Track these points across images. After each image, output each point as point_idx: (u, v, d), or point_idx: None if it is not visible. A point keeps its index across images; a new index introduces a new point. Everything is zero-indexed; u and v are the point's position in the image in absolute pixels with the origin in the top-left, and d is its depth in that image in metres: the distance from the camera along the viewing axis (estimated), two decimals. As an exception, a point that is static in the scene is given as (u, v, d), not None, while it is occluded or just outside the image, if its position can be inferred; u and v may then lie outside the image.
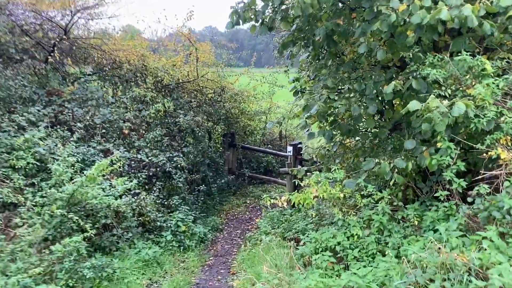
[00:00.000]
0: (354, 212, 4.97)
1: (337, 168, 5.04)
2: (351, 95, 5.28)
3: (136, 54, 9.81)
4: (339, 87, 5.22)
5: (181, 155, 8.90)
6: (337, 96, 5.28)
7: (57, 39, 9.23)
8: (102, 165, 5.85)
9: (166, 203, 7.95)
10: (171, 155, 8.70)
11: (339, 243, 4.62)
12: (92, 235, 5.49)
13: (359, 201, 4.76)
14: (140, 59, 9.90)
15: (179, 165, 8.62)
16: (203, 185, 9.16)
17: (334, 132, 5.63)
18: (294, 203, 5.57)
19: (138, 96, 9.43)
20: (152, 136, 8.80)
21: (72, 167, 6.69)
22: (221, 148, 11.55)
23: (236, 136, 12.03)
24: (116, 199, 6.62)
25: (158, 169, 8.30)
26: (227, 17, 5.37)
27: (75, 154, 7.27)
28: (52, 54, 9.18)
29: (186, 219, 7.83)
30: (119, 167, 7.56)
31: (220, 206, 10.41)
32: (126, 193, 7.03)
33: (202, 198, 9.16)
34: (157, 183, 8.09)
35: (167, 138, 9.02)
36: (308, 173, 7.68)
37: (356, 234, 4.56)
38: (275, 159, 13.14)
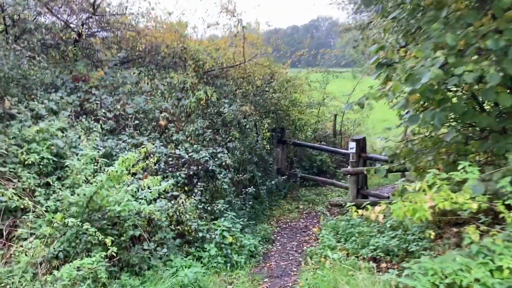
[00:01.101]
0: (496, 231, 3.33)
1: (469, 165, 3.40)
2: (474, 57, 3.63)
3: (175, 35, 8.50)
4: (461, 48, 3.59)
5: (226, 151, 7.48)
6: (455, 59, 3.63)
7: (85, 19, 8.07)
8: (128, 159, 4.48)
9: (209, 208, 6.54)
10: (214, 151, 7.30)
11: (478, 280, 3.01)
12: (114, 252, 4.12)
13: (505, 214, 3.12)
14: (180, 41, 8.57)
15: (224, 163, 7.21)
16: (252, 187, 7.69)
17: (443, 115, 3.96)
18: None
19: (177, 83, 8.12)
20: (193, 129, 7.45)
21: (96, 163, 5.41)
22: (267, 145, 10.06)
23: (285, 131, 10.51)
24: (148, 203, 5.28)
25: (199, 167, 6.91)
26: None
27: (101, 148, 6.01)
28: (80, 35, 8.02)
29: (233, 228, 6.40)
30: (154, 164, 6.25)
31: (270, 212, 8.92)
32: (161, 196, 5.69)
33: (250, 202, 7.70)
34: (199, 184, 6.71)
35: (210, 131, 7.63)
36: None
37: (507, 267, 2.93)
38: (329, 158, 11.51)
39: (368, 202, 8.68)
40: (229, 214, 6.62)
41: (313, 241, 7.63)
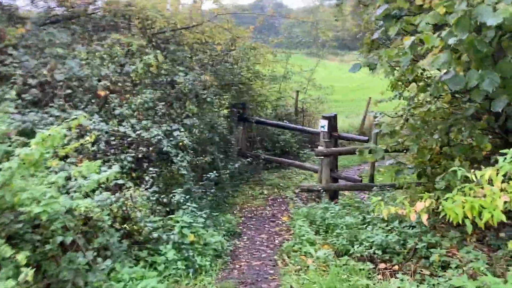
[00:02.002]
0: None
1: None
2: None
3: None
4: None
5: (182, 129, 6.19)
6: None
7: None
8: (52, 137, 3.10)
9: (164, 199, 5.28)
10: (168, 128, 5.99)
11: None
12: (29, 277, 2.78)
13: None
14: (122, -5, 7.05)
15: (180, 143, 5.92)
16: (214, 171, 6.47)
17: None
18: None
19: (120, 47, 6.64)
20: (141, 101, 6.07)
21: (10, 144, 3.95)
22: (226, 123, 8.80)
23: (247, 107, 9.34)
24: (84, 197, 3.94)
25: (150, 148, 5.59)
26: None
27: (19, 122, 4.54)
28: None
29: (194, 224, 5.20)
30: (92, 145, 4.90)
31: (232, 199, 7.78)
32: (102, 187, 4.34)
33: (212, 190, 6.50)
34: (150, 169, 5.40)
35: (162, 104, 6.28)
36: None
37: None
38: (294, 139, 10.52)
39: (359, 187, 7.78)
40: (188, 206, 5.39)
41: (285, 233, 6.60)
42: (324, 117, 7.99)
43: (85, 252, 3.73)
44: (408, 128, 4.63)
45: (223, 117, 8.22)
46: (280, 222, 7.07)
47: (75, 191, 3.84)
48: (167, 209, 5.35)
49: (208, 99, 6.69)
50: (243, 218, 7.16)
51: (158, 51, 6.65)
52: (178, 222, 5.03)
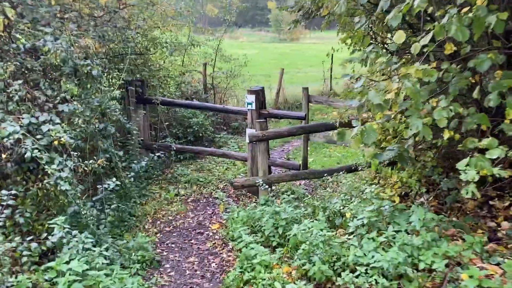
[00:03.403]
0: None
1: None
2: None
3: None
4: None
5: (58, 120, 4.04)
6: None
7: None
8: None
9: (32, 242, 3.18)
10: (33, 121, 3.80)
11: None
12: None
13: None
14: None
15: (55, 142, 3.80)
16: (114, 178, 4.44)
17: None
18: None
19: None
20: (-19, 81, 3.76)
21: None
22: (119, 108, 6.61)
23: (146, 85, 7.27)
24: None
25: (3, 155, 3.40)
26: None
27: None
28: None
29: (91, 271, 3.22)
30: None
31: (141, 209, 5.78)
32: None
33: (113, 206, 4.47)
34: (3, 192, 3.23)
35: (20, 83, 4.03)
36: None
37: None
38: (208, 121, 8.70)
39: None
40: (78, 243, 3.37)
41: (221, 249, 4.91)
42: (251, 91, 6.35)
43: None
44: (407, 95, 3.17)
45: (117, 100, 6.07)
46: (211, 234, 5.33)
47: None
48: (42, 252, 3.28)
49: (94, 73, 4.55)
50: (159, 235, 5.25)
51: (6, 3, 4.31)
52: (62, 275, 3.02)
